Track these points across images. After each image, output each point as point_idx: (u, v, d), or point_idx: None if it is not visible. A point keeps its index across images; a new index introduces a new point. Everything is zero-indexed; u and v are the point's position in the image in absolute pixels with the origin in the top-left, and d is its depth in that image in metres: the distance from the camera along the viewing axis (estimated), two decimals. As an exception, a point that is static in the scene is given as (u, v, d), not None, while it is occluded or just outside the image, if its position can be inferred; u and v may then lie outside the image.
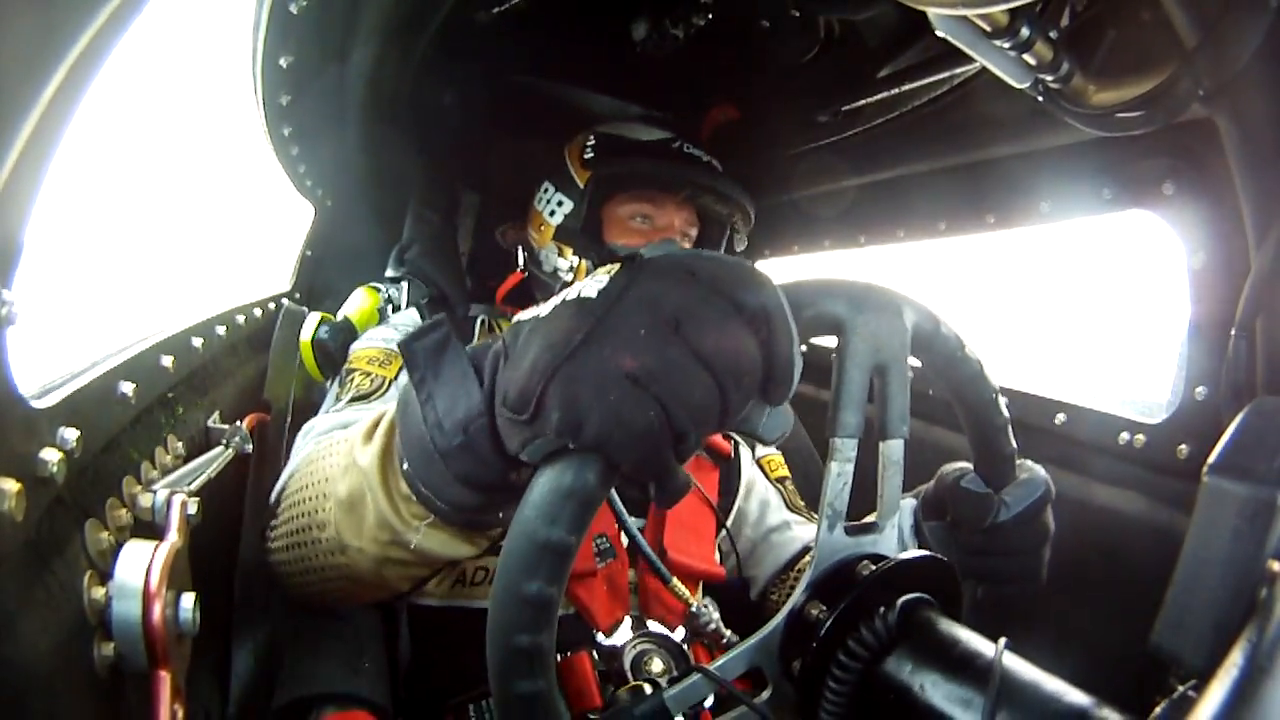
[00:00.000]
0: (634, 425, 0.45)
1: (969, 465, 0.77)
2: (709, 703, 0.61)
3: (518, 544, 0.48)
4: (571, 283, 1.22)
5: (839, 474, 0.59)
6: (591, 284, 0.49)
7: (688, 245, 1.22)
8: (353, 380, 1.10)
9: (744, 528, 1.26)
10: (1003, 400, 0.70)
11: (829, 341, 0.59)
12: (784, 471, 1.36)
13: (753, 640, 0.58)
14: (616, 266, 0.50)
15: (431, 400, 0.56)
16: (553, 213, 1.23)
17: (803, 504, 1.33)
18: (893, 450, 0.62)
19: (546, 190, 1.25)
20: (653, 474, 0.48)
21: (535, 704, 0.49)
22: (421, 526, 0.62)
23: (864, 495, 0.63)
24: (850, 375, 0.58)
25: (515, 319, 0.54)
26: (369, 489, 0.64)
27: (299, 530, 0.75)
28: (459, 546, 0.65)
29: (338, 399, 1.09)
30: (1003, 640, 0.50)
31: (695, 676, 0.55)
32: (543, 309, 0.52)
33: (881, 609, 0.56)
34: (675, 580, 0.81)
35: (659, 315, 0.46)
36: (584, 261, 1.20)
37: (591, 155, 1.22)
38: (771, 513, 1.28)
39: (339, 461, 0.70)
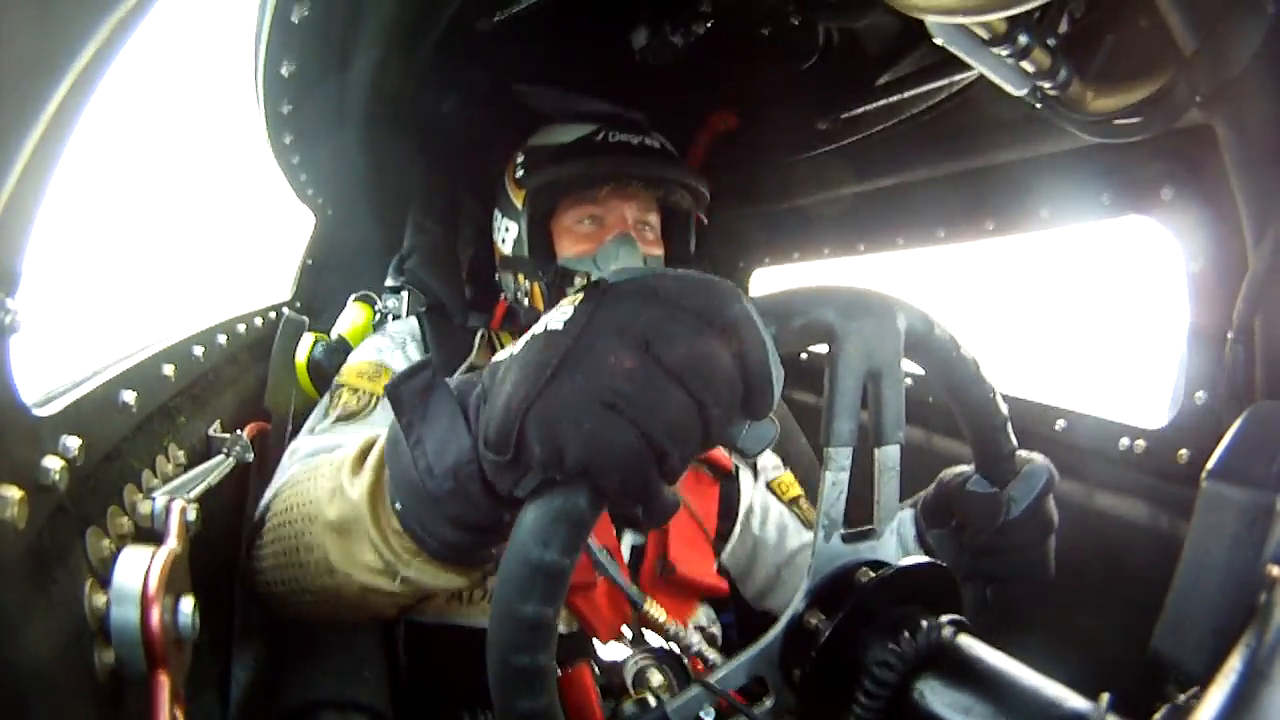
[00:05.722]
0: (613, 450, 0.45)
1: (968, 468, 0.76)
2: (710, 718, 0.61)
3: (513, 567, 0.48)
4: (529, 306, 1.22)
5: (834, 483, 0.58)
6: (556, 315, 0.49)
7: (650, 235, 1.19)
8: (339, 398, 1.09)
9: (765, 554, 1.23)
10: (1000, 397, 0.69)
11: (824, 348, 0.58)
12: (796, 490, 1.31)
13: (752, 650, 0.57)
14: (580, 295, 0.49)
15: (421, 444, 0.55)
16: (504, 240, 1.22)
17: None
18: (888, 456, 0.61)
19: (496, 218, 1.24)
20: (638, 496, 0.48)
21: None
22: (413, 561, 0.61)
23: (864, 503, 0.62)
24: (843, 383, 0.57)
25: (493, 359, 0.54)
26: (359, 520, 0.62)
27: (287, 551, 0.73)
28: (451, 578, 0.64)
29: (326, 414, 1.08)
30: (1105, 696, 0.46)
31: (695, 689, 0.55)
32: (515, 346, 0.51)
33: (907, 632, 0.54)
34: (649, 602, 0.79)
35: (626, 338, 0.46)
36: (535, 284, 1.18)
37: (522, 173, 1.19)
38: (790, 536, 1.25)
39: (326, 485, 0.68)
